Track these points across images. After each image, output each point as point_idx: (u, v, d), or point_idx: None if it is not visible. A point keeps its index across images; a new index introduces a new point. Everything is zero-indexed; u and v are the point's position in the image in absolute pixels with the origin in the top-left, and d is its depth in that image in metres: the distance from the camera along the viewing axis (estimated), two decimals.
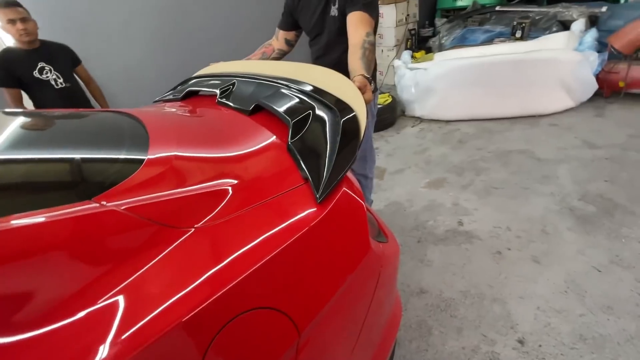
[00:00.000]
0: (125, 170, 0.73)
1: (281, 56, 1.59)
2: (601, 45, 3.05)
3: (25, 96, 1.88)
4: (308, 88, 0.99)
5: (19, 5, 1.72)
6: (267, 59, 1.58)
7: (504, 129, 2.95)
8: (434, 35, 4.93)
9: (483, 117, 3.17)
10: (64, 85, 1.88)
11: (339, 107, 0.82)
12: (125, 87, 2.80)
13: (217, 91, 1.30)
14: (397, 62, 3.64)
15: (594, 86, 2.93)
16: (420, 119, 3.41)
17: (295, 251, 0.57)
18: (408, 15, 4.43)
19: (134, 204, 0.57)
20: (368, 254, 0.66)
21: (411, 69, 3.40)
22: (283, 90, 1.05)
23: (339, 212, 0.63)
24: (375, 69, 1.54)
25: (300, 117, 0.86)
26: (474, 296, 1.47)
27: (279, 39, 1.55)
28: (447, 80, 3.13)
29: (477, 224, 1.89)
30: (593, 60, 2.87)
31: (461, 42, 4.26)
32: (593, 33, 3.00)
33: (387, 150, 2.91)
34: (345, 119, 0.77)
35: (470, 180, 2.29)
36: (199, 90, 1.44)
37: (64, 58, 1.91)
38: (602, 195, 1.95)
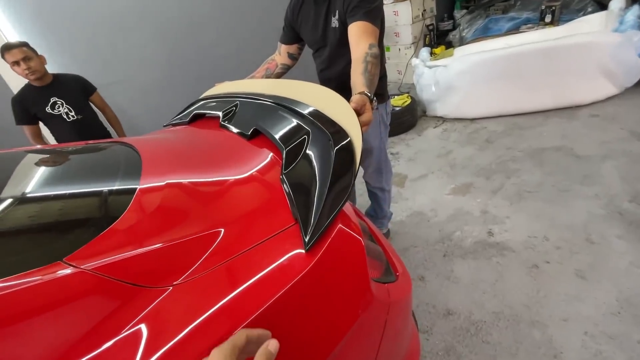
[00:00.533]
0: (112, 211, 0.71)
1: (285, 70, 1.54)
2: None
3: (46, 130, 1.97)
4: (307, 110, 0.93)
5: (22, 45, 1.76)
6: (272, 74, 1.53)
7: (536, 124, 2.71)
8: (454, 28, 4.71)
9: (512, 113, 2.94)
10: (75, 117, 1.94)
11: (333, 131, 0.75)
12: (145, 110, 2.89)
13: (220, 114, 1.27)
14: (414, 61, 3.49)
15: None
16: (443, 119, 3.24)
17: (281, 308, 0.51)
18: (425, 10, 4.24)
19: (106, 263, 0.53)
20: (370, 305, 0.58)
21: (430, 67, 3.23)
22: (282, 113, 1.00)
23: (332, 259, 0.56)
24: (384, 79, 1.45)
25: (294, 144, 0.80)
26: (508, 318, 1.32)
27: (281, 54, 1.50)
28: (470, 76, 2.94)
29: (510, 233, 1.72)
30: (637, 41, 2.57)
31: (484, 34, 4.02)
32: (636, 10, 2.68)
33: (408, 154, 2.77)
34: (338, 147, 0.69)
35: (500, 184, 2.11)
36: (205, 113, 1.42)
37: (75, 90, 1.98)
38: None
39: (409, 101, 3.20)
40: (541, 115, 2.80)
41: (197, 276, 0.54)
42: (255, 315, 0.49)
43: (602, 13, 2.89)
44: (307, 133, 0.82)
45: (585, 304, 1.30)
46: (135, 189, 0.81)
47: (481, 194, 2.06)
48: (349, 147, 0.71)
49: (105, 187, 0.86)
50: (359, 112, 0.79)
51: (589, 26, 2.89)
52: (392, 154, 2.82)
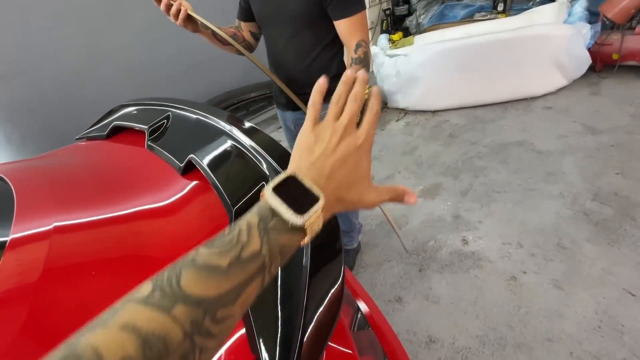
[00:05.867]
0: None
1: (249, 50, 1.27)
2: (592, 16, 2.81)
3: None
4: (259, 139, 0.68)
5: None
6: (239, 42, 1.22)
7: (496, 116, 2.70)
8: (409, 14, 4.59)
9: (472, 104, 2.91)
10: None
11: None
12: (62, 108, 2.36)
13: (146, 129, 0.96)
14: (374, 49, 3.30)
15: (588, 61, 2.71)
16: (405, 111, 3.13)
17: None
18: None
19: None
20: None
21: (391, 55, 3.08)
22: (228, 139, 0.74)
23: None
24: (341, 72, 1.26)
25: (246, 199, 0.55)
26: (493, 342, 1.24)
27: (244, 31, 1.25)
28: (431, 67, 2.83)
29: (484, 241, 1.65)
30: (586, 33, 2.63)
31: (440, 20, 3.94)
32: (583, 2, 2.74)
33: (373, 152, 2.59)
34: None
35: (468, 184, 2.04)
36: (127, 126, 1.09)
37: None
38: (616, 193, 1.74)
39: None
40: (499, 107, 2.80)
41: None
42: None
43: (554, 4, 2.93)
44: (265, 178, 0.58)
45: (567, 319, 1.25)
46: (3, 244, 0.54)
47: (451, 196, 1.97)
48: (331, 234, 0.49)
49: None
50: None
51: (541, 17, 2.91)
52: None
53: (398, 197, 0.36)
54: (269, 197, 0.28)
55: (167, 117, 0.98)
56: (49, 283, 0.50)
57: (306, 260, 0.40)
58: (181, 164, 0.75)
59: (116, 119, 1.16)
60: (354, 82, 0.35)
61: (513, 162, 2.13)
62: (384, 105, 3.29)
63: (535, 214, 1.73)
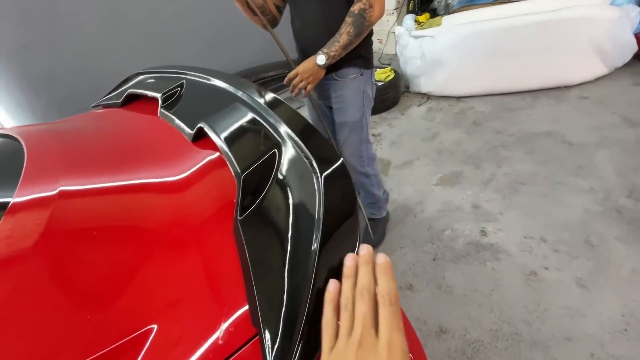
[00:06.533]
0: None
1: (274, 21, 1.28)
2: None
3: None
4: (277, 107, 0.63)
5: None
6: (264, 14, 1.22)
7: (525, 105, 2.55)
8: None
9: (500, 92, 2.75)
10: None
11: (313, 146, 0.48)
12: (81, 79, 2.38)
13: (160, 97, 0.94)
14: (398, 29, 3.16)
15: (634, 48, 2.49)
16: (427, 96, 3.00)
17: None
18: None
19: None
20: None
21: (416, 37, 2.93)
22: (242, 105, 0.69)
23: None
24: (368, 41, 1.22)
25: (257, 165, 0.51)
26: (507, 337, 1.19)
27: (268, 1, 1.23)
28: (458, 50, 2.68)
29: (504, 233, 1.57)
30: (635, 17, 2.41)
31: (471, 2, 3.71)
32: None
33: (392, 137, 2.53)
34: (326, 174, 0.43)
35: (491, 174, 1.94)
36: (142, 93, 1.07)
37: None
38: None
39: (392, 75, 2.91)
40: (529, 96, 2.63)
41: None
42: None
43: None
44: (277, 146, 0.54)
45: (589, 319, 1.18)
46: (5, 205, 0.53)
47: (471, 186, 1.89)
48: (343, 176, 0.44)
49: None
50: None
51: None
52: (374, 135, 2.57)
53: None
54: None
55: (181, 85, 0.94)
56: (46, 248, 0.48)
57: (317, 230, 0.37)
58: (192, 130, 0.72)
59: (131, 87, 1.14)
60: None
61: (540, 153, 2.01)
62: (405, 89, 3.16)
63: (562, 208, 1.63)
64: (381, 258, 0.30)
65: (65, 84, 2.30)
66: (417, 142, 2.39)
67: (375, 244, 1.64)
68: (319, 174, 0.43)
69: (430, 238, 1.63)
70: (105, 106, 1.20)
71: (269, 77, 3.22)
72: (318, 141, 0.51)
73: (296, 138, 0.51)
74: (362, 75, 1.24)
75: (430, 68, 2.85)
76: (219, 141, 0.60)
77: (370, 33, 1.21)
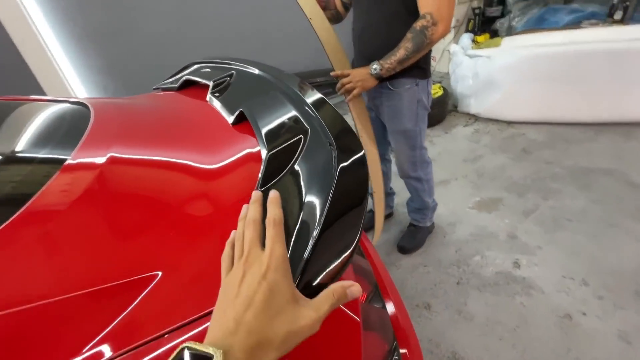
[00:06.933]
0: (18, 193, 0.50)
1: (338, 17, 1.35)
2: None
3: None
4: (313, 97, 0.66)
5: None
6: (328, 8, 1.31)
7: (585, 138, 2.35)
8: (502, 15, 4.19)
9: (558, 121, 2.57)
10: None
11: (339, 134, 0.50)
12: (146, 67, 2.63)
13: (210, 84, 1.02)
14: (453, 47, 3.09)
15: None
16: (475, 117, 2.89)
17: None
18: None
19: None
20: None
21: (471, 56, 2.85)
22: (280, 95, 0.74)
23: (311, 351, 0.33)
24: (426, 54, 1.22)
25: (283, 146, 0.55)
26: None
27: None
28: (516, 72, 2.56)
29: (540, 268, 1.45)
30: None
31: (538, 25, 3.52)
32: None
33: (432, 154, 2.44)
34: (345, 165, 0.44)
35: (534, 204, 1.81)
36: (196, 80, 1.17)
37: None
38: None
39: (440, 92, 2.85)
40: (592, 129, 2.43)
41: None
42: None
43: None
44: (305, 133, 0.56)
45: None
46: (63, 160, 0.60)
47: (510, 214, 1.77)
48: (361, 168, 0.46)
49: (26, 154, 0.65)
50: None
51: None
52: None
53: (341, 298, 0.31)
54: None
55: (231, 75, 1.02)
56: (85, 207, 0.54)
57: (321, 216, 0.38)
58: (233, 115, 0.78)
59: (187, 74, 1.25)
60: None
61: (596, 191, 1.84)
62: (453, 108, 3.07)
63: (613, 252, 1.47)
64: (271, 194, 0.35)
65: (134, 69, 2.57)
66: (457, 162, 2.31)
67: (410, 250, 1.62)
68: (337, 163, 0.45)
69: (457, 261, 1.55)
70: (164, 89, 1.32)
71: (316, 83, 3.32)
72: (344, 132, 0.53)
73: (325, 127, 0.54)
74: (417, 85, 1.24)
75: (482, 89, 2.75)
76: (254, 124, 0.65)
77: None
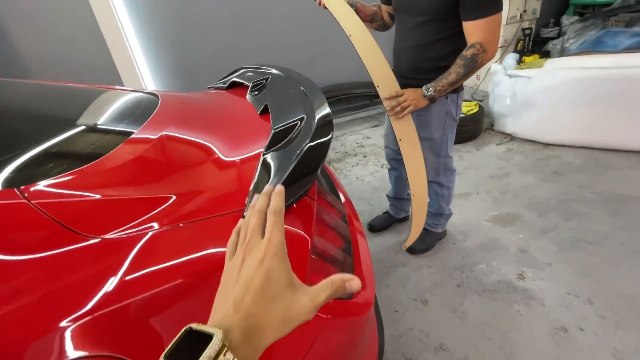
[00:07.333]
0: (97, 150, 0.73)
1: (384, 28, 1.50)
2: None
3: None
4: (316, 97, 0.86)
5: None
6: (375, 21, 1.47)
7: (626, 165, 2.24)
8: (558, 36, 4.06)
9: (598, 146, 2.47)
10: None
11: (320, 124, 0.68)
12: (208, 72, 3.03)
13: (250, 85, 1.27)
14: (495, 67, 3.10)
15: None
16: (511, 137, 2.86)
17: (190, 289, 0.47)
18: (524, 11, 3.72)
19: (53, 200, 0.54)
20: None
21: (511, 76, 2.85)
22: (296, 92, 0.94)
23: None
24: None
25: (285, 126, 0.74)
26: None
27: (383, 11, 1.46)
28: (556, 94, 2.52)
29: (545, 283, 1.47)
30: None
31: (594, 47, 3.40)
32: None
33: (458, 168, 2.49)
34: (312, 144, 0.63)
35: (554, 224, 1.80)
36: (241, 82, 1.43)
37: None
38: None
39: (475, 110, 2.88)
40: (636, 156, 2.30)
41: (130, 235, 0.53)
42: (163, 288, 0.47)
43: None
44: (301, 119, 0.76)
45: None
46: (130, 133, 0.83)
47: (526, 231, 1.79)
48: (322, 145, 0.64)
49: (107, 127, 0.90)
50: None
51: None
52: None
53: (339, 290, 0.32)
54: None
55: (267, 78, 1.25)
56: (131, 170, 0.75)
57: (294, 162, 0.57)
58: (260, 107, 1.00)
59: (235, 77, 1.52)
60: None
61: (625, 218, 1.78)
62: (490, 126, 3.07)
63: (629, 279, 1.44)
64: (277, 187, 0.37)
65: (196, 73, 2.98)
66: (482, 177, 2.33)
67: (418, 252, 1.71)
68: (310, 140, 0.64)
69: (461, 266, 1.62)
70: (216, 88, 1.61)
71: (354, 94, 3.52)
72: (325, 123, 0.71)
73: (315, 116, 0.73)
74: (447, 98, 1.30)
75: (519, 109, 2.74)
76: (271, 112, 0.85)
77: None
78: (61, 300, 0.43)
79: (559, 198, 2.01)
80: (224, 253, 0.36)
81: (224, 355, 0.25)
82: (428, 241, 1.73)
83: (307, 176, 0.58)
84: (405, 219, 1.98)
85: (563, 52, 3.67)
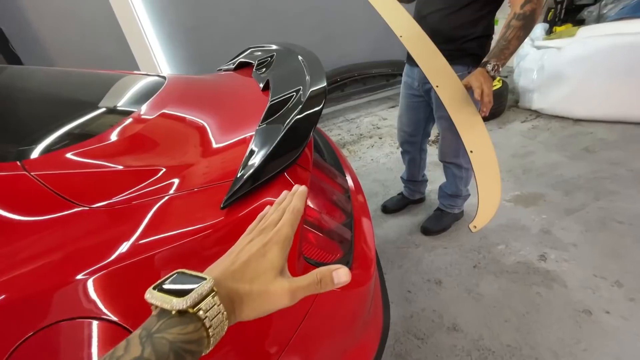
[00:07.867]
0: (98, 126, 0.75)
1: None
2: None
3: None
4: (316, 68, 0.83)
5: None
6: None
7: None
8: (595, 2, 3.72)
9: (635, 120, 2.27)
10: None
11: (310, 98, 0.66)
12: (223, 56, 3.03)
13: (255, 63, 1.25)
14: None
15: None
16: (537, 113, 2.69)
17: (178, 257, 0.48)
18: None
19: (51, 172, 0.56)
20: None
21: (538, 47, 2.66)
22: (298, 66, 0.92)
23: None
24: (484, 39, 1.22)
25: (281, 99, 0.73)
26: (525, 358, 1.10)
27: None
28: (588, 65, 2.33)
29: (569, 264, 1.39)
30: None
31: (635, 12, 3.09)
32: None
33: None
34: (300, 117, 0.61)
35: (581, 203, 1.70)
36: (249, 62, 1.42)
37: None
38: None
39: (498, 85, 2.72)
40: None
41: (119, 206, 0.53)
42: (148, 255, 0.47)
43: None
44: (297, 90, 0.73)
45: None
46: (131, 112, 0.84)
47: (550, 211, 1.69)
48: (312, 115, 0.62)
49: (110, 105, 0.91)
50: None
51: None
52: None
53: (325, 280, 0.33)
54: (148, 296, 0.26)
55: (272, 55, 1.23)
56: (128, 142, 0.76)
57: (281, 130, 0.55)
58: (262, 84, 0.98)
59: (242, 57, 1.51)
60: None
61: None
62: (514, 103, 2.90)
63: None
64: (301, 188, 0.41)
65: (211, 59, 2.98)
66: (504, 156, 2.22)
67: (433, 232, 1.67)
68: (299, 112, 0.61)
69: (478, 247, 1.56)
70: (225, 70, 1.60)
71: (370, 74, 3.41)
72: (317, 96, 0.68)
73: (310, 88, 0.70)
74: (469, 72, 1.21)
75: (546, 83, 2.56)
76: (271, 86, 0.83)
77: (493, 31, 1.21)
78: (80, 257, 0.45)
79: (588, 176, 1.88)
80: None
81: (212, 297, 0.27)
82: (444, 222, 1.68)
83: (297, 147, 0.56)
84: (420, 200, 1.93)
85: (600, 20, 3.36)
